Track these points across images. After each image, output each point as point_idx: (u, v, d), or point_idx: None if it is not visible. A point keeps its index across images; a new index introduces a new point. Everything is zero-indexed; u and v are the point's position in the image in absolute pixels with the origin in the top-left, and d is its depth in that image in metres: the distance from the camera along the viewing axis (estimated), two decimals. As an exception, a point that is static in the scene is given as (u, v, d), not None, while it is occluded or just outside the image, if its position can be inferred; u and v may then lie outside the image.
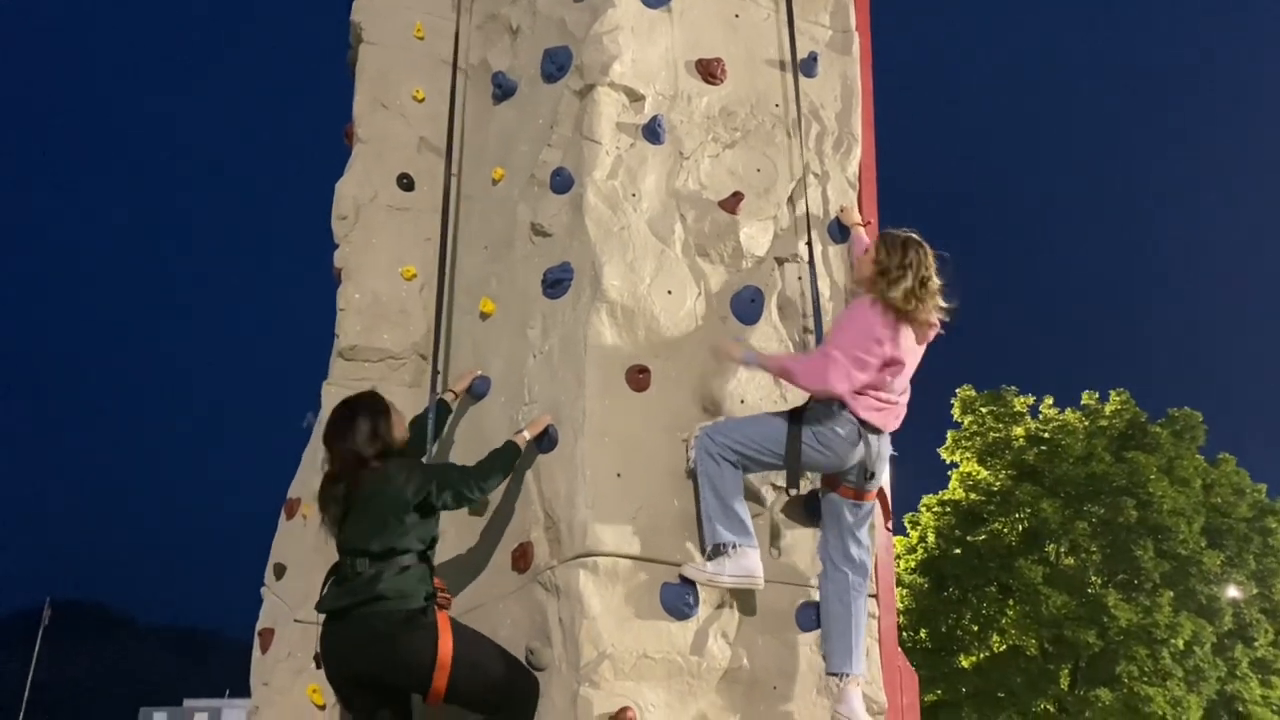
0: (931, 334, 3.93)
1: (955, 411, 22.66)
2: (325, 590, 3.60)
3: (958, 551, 21.48)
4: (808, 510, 4.12)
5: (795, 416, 3.82)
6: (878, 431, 3.82)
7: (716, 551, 3.72)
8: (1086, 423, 22.02)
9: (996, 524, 21.24)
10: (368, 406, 3.72)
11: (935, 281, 3.84)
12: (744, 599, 3.88)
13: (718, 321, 4.22)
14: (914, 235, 3.90)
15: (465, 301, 4.71)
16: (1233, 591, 20.71)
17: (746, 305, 4.25)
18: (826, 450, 3.77)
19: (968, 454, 22.26)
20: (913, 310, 3.78)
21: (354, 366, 4.59)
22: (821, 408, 3.78)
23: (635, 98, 4.39)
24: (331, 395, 4.54)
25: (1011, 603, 20.53)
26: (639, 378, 3.99)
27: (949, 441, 22.62)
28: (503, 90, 4.85)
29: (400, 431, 3.78)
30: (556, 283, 4.17)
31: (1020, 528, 21.02)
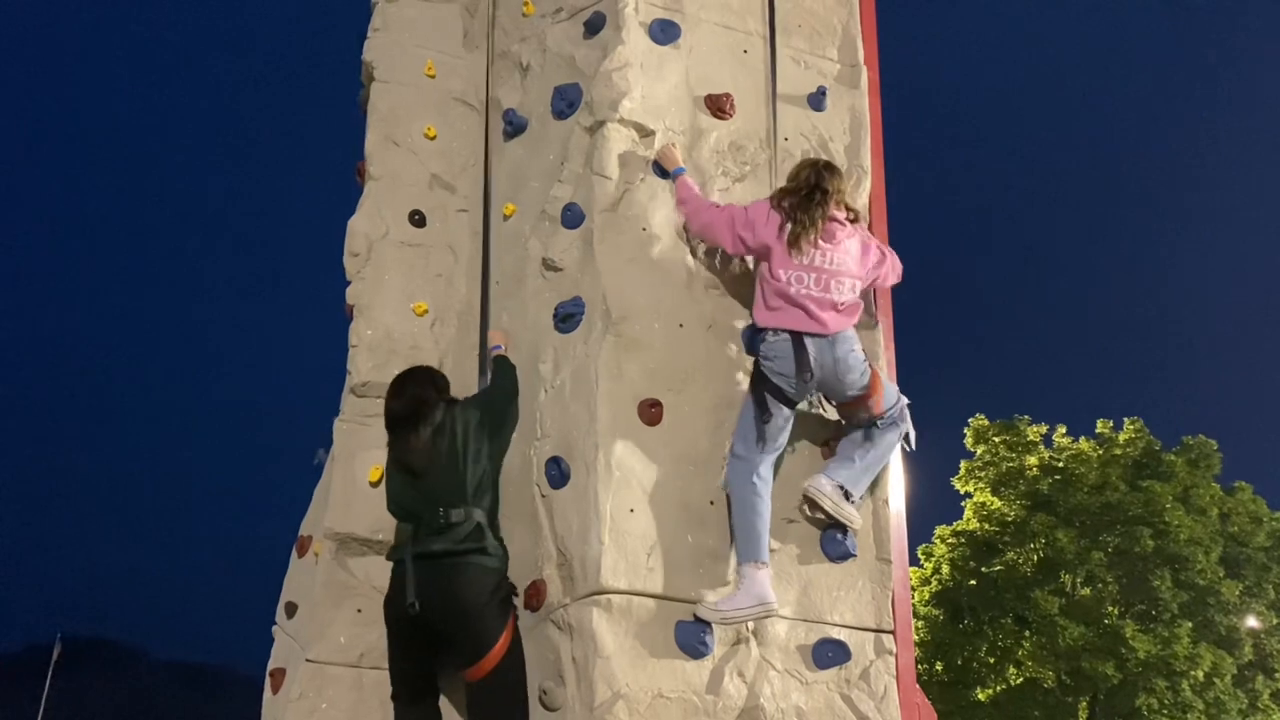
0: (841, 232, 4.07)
1: (968, 441, 22.56)
2: (413, 537, 3.75)
3: (973, 583, 21.30)
4: (825, 546, 4.09)
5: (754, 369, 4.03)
6: (812, 336, 3.91)
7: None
8: (1100, 451, 21.87)
9: (1011, 554, 21.08)
10: (426, 368, 4.18)
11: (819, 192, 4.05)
12: (761, 636, 3.85)
13: (729, 355, 4.21)
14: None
15: (476, 336, 4.70)
16: (1252, 622, 20.46)
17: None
18: (777, 359, 3.91)
19: (981, 484, 22.12)
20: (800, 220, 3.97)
21: (366, 403, 4.57)
22: (767, 343, 3.97)
23: (645, 133, 4.41)
24: (343, 432, 4.54)
25: (1028, 634, 20.32)
26: (651, 412, 3.98)
27: (962, 471, 22.50)
28: (513, 127, 4.88)
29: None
30: (568, 317, 4.18)
31: (1035, 558, 20.85)
